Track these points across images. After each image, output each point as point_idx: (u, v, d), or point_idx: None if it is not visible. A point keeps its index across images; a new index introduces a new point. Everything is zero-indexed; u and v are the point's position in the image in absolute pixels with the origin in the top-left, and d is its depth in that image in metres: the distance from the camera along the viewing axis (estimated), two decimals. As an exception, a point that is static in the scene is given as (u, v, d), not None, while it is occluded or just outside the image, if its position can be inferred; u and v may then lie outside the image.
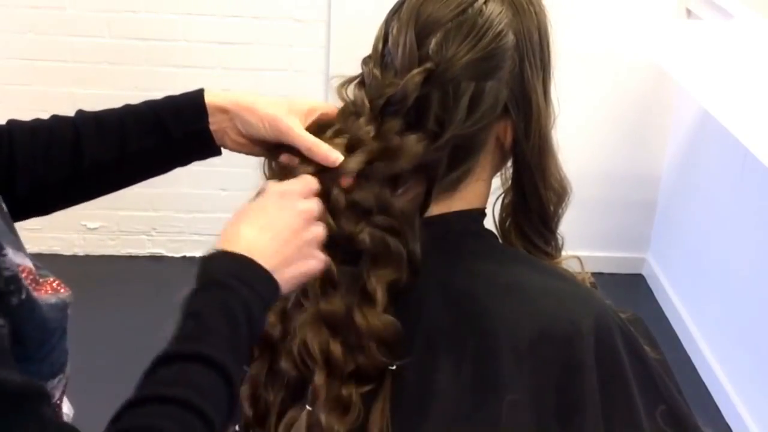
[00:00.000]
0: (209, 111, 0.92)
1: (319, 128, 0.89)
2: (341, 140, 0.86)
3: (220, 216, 3.02)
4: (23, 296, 0.71)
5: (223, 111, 0.92)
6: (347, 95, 0.89)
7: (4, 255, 0.70)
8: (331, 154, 0.84)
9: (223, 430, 0.72)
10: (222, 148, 0.95)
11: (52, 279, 0.79)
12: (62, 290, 0.78)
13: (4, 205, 0.80)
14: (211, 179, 3.09)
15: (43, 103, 2.98)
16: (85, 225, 3.09)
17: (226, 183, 3.09)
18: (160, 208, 3.10)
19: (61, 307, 0.77)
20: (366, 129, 0.85)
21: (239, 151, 0.95)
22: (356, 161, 0.84)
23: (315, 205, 0.82)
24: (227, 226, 0.80)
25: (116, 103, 3.33)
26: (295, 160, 0.87)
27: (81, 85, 2.98)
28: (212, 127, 0.92)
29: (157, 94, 3.35)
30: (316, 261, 0.82)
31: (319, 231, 0.82)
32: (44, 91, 2.98)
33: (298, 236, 0.80)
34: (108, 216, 3.11)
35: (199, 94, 0.94)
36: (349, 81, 0.91)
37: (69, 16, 2.90)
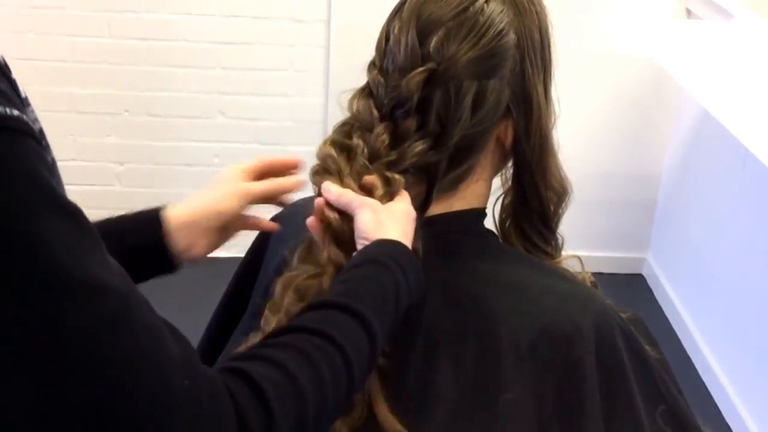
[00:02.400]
0: (176, 228, 0.92)
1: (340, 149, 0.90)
2: (373, 177, 0.85)
3: (220, 216, 3.02)
4: (53, 155, 0.63)
5: (188, 225, 0.93)
6: (357, 108, 0.88)
7: (30, 105, 0.62)
8: (289, 159, 0.97)
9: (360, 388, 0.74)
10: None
11: None
12: None
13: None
14: (211, 179, 3.08)
15: (43, 103, 2.97)
16: (85, 225, 3.08)
17: (226, 183, 3.09)
18: (160, 208, 3.10)
19: None
20: (382, 138, 0.85)
21: (206, 255, 0.96)
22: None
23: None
24: (364, 231, 0.81)
25: (116, 103, 3.33)
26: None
27: (81, 85, 2.98)
28: (181, 243, 0.93)
29: (157, 94, 3.36)
30: None
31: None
32: (44, 91, 2.97)
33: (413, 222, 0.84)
34: (107, 216, 3.11)
35: (155, 210, 0.94)
36: (359, 93, 0.89)
37: (69, 16, 2.90)
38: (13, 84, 0.59)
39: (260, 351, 0.67)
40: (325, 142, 0.88)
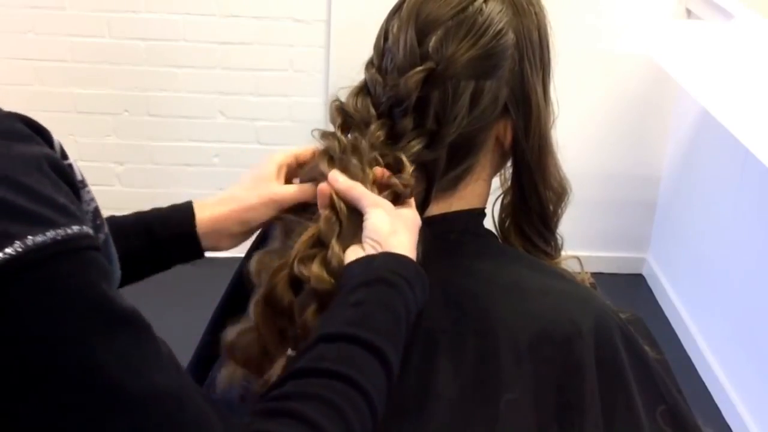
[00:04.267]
0: (201, 232, 0.94)
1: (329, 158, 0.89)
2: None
3: (220, 216, 3.02)
4: (106, 230, 0.68)
5: (215, 229, 0.95)
6: (355, 105, 0.88)
7: (86, 185, 0.65)
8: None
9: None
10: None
11: None
12: None
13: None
14: (211, 179, 3.09)
15: (43, 103, 2.98)
16: (85, 225, 3.08)
17: (226, 183, 3.08)
18: (160, 208, 3.10)
19: None
20: (377, 135, 0.85)
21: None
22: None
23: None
24: (377, 233, 0.80)
25: (116, 103, 3.33)
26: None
27: (81, 85, 2.98)
28: (206, 243, 0.95)
29: (158, 94, 3.37)
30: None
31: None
32: (44, 91, 2.98)
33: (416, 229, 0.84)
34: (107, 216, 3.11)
35: (189, 202, 0.96)
36: (358, 91, 0.89)
37: (69, 16, 2.90)
38: (69, 174, 0.62)
39: (289, 406, 0.67)
40: (333, 134, 0.88)
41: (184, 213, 0.95)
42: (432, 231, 0.88)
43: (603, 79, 3.03)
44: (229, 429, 0.63)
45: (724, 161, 2.71)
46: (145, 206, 0.97)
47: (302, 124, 3.04)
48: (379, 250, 0.79)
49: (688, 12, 2.94)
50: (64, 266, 0.55)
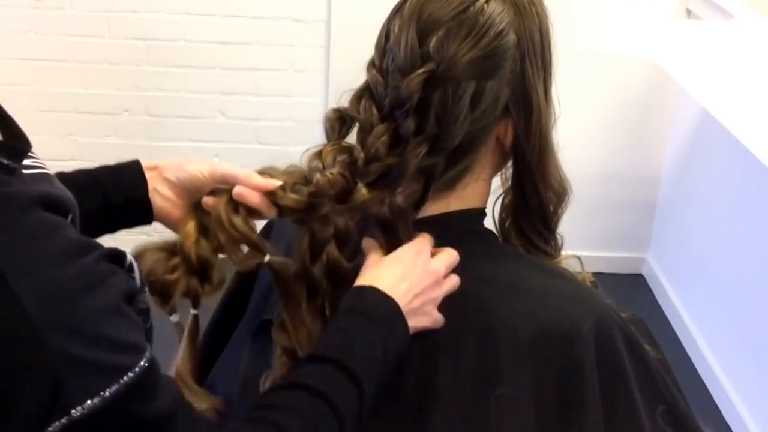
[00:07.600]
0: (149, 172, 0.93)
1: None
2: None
3: (220, 216, 3.02)
4: (151, 322, 0.75)
5: (153, 168, 0.93)
6: (358, 108, 0.88)
7: (145, 291, 0.75)
8: (269, 181, 0.88)
9: None
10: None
11: None
12: None
13: None
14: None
15: (43, 103, 2.98)
16: (85, 225, 3.08)
17: (226, 183, 3.08)
18: (160, 208, 3.10)
19: None
20: (383, 140, 0.84)
21: (160, 216, 0.94)
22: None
23: (443, 267, 0.87)
24: (367, 271, 0.86)
25: (116, 103, 3.32)
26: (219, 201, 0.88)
27: (81, 85, 2.98)
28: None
29: (157, 94, 3.36)
30: (431, 319, 0.86)
31: (439, 293, 0.86)
32: (44, 91, 2.97)
33: (425, 293, 0.85)
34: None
35: (136, 162, 0.95)
36: (361, 93, 0.89)
37: (69, 16, 2.89)
38: (138, 296, 0.70)
39: (267, 414, 0.75)
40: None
41: (135, 173, 0.93)
42: (430, 231, 0.88)
43: (603, 79, 3.03)
44: None
45: (724, 161, 2.71)
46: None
47: (302, 124, 3.04)
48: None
49: (688, 12, 2.94)
50: (129, 405, 0.65)
